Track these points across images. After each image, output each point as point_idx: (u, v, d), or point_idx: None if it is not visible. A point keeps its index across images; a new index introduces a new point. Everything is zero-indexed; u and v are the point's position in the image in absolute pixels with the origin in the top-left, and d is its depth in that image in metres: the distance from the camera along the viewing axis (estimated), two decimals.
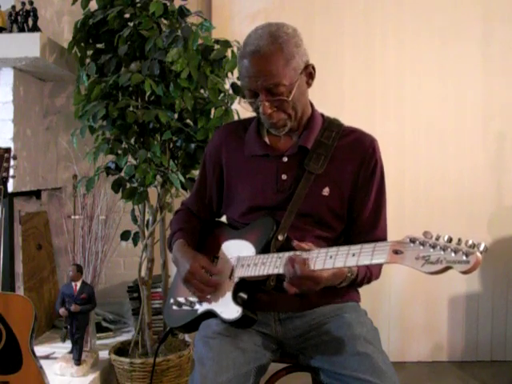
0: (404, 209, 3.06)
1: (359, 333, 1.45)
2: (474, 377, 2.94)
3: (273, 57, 1.39)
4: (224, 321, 1.47)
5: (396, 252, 1.12)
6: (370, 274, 1.52)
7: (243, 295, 1.46)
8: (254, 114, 1.58)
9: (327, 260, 1.27)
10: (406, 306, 3.16)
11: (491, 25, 3.09)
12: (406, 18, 3.11)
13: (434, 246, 1.06)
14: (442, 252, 1.04)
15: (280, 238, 1.46)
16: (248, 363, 1.42)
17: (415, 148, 3.12)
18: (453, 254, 1.02)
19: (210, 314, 1.52)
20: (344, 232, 1.58)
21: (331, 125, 1.57)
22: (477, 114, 3.12)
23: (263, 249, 1.46)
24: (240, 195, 1.59)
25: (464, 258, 1.01)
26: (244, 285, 1.47)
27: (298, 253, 1.34)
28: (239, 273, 1.47)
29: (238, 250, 1.52)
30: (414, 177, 3.10)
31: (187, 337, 2.85)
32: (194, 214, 1.72)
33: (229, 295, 1.47)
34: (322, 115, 1.60)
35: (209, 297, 1.51)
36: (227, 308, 1.46)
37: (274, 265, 1.39)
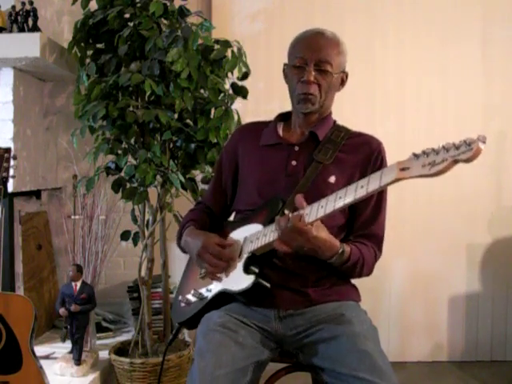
0: (404, 209, 3.06)
1: (359, 330, 1.46)
2: (474, 377, 2.94)
3: (332, 43, 1.61)
4: (237, 293, 1.49)
5: (403, 169, 1.17)
6: (362, 260, 1.54)
7: (254, 268, 1.49)
8: (266, 119, 1.73)
9: (319, 210, 1.34)
10: (406, 305, 3.16)
11: (491, 25, 3.09)
12: (406, 18, 3.11)
13: (437, 152, 1.12)
14: (446, 152, 1.10)
15: (286, 212, 1.47)
16: (246, 358, 1.43)
17: (415, 148, 3.10)
18: (456, 150, 1.08)
19: (221, 298, 1.55)
20: (345, 225, 1.61)
21: (340, 128, 1.68)
22: (477, 114, 3.12)
23: (270, 223, 1.49)
24: (251, 182, 1.65)
25: (467, 146, 1.07)
26: (254, 259, 1.50)
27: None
28: (248, 248, 1.52)
29: (244, 233, 1.57)
30: None
31: (187, 337, 2.85)
32: (207, 213, 1.77)
33: (240, 270, 1.50)
34: (334, 121, 1.71)
35: (220, 275, 1.53)
36: (239, 281, 1.49)
37: None
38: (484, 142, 1.06)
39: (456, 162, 1.08)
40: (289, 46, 1.67)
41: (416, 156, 1.16)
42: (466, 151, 1.07)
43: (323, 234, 1.41)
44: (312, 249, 1.41)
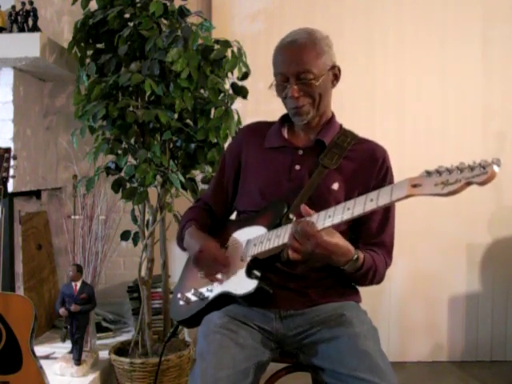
0: (404, 209, 3.05)
1: (359, 331, 1.46)
2: (474, 377, 2.94)
3: (306, 48, 1.54)
4: (239, 297, 1.49)
5: (415, 186, 1.15)
6: (375, 268, 1.52)
7: (257, 272, 1.49)
8: (266, 119, 1.73)
9: (326, 219, 1.33)
10: (406, 305, 3.16)
11: (491, 25, 3.09)
12: (406, 18, 3.11)
13: (450, 171, 1.10)
14: (460, 172, 1.09)
15: (291, 216, 1.48)
16: (247, 360, 1.43)
17: (415, 148, 3.12)
18: (470, 172, 1.07)
19: (222, 299, 1.54)
20: (352, 232, 1.61)
21: (347, 132, 1.66)
22: (477, 114, 3.12)
23: (274, 227, 1.49)
24: (254, 183, 1.64)
25: (482, 169, 1.05)
26: (257, 263, 1.50)
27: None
28: (251, 252, 1.51)
29: (247, 235, 1.56)
30: None
31: (187, 337, 2.85)
32: (207, 210, 1.77)
33: (242, 273, 1.50)
34: (341, 125, 1.69)
35: (219, 277, 1.54)
36: (241, 284, 1.49)
37: (288, 233, 1.40)
38: (499, 166, 1.04)
39: (469, 184, 1.07)
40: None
41: (428, 173, 1.14)
42: (480, 174, 1.06)
43: (335, 238, 1.39)
44: (324, 254, 1.38)
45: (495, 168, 1.04)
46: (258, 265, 1.50)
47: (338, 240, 1.40)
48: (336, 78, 1.62)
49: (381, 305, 3.15)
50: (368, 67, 3.10)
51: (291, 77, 1.54)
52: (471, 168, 1.07)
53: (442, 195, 1.10)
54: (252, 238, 1.54)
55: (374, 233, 1.59)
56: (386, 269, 1.60)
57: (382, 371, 1.35)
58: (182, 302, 1.66)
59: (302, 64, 1.53)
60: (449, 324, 3.18)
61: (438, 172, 1.12)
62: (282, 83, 1.56)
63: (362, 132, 1.70)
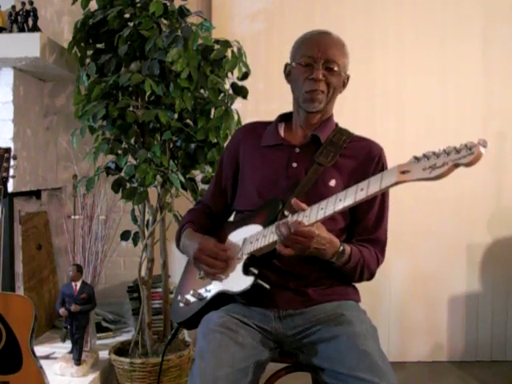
0: (404, 209, 3.06)
1: (359, 330, 1.46)
2: (474, 377, 2.94)
3: (338, 44, 1.64)
4: (236, 294, 1.50)
5: (403, 172, 1.17)
6: (363, 261, 1.54)
7: (254, 270, 1.49)
8: (267, 119, 1.75)
9: (319, 212, 1.34)
10: (406, 305, 3.16)
11: (491, 24, 3.10)
12: (406, 18, 3.11)
13: (438, 155, 1.12)
14: (447, 155, 1.10)
15: (286, 213, 1.48)
16: (246, 359, 1.43)
17: (415, 148, 3.10)
18: (456, 154, 1.09)
19: (220, 298, 1.55)
20: (347, 229, 1.62)
21: (342, 131, 1.68)
22: (477, 114, 3.12)
23: (270, 224, 1.50)
24: (251, 182, 1.65)
25: (468, 151, 1.07)
26: (254, 261, 1.51)
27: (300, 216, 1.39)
28: (247, 249, 1.52)
29: (244, 234, 1.57)
30: None
31: (187, 337, 2.85)
32: (206, 212, 1.77)
33: (239, 271, 1.51)
34: (336, 123, 1.71)
35: (219, 275, 1.54)
36: (238, 282, 1.49)
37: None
38: (485, 146, 1.06)
39: (457, 165, 1.09)
40: (293, 46, 1.67)
41: (417, 159, 1.16)
42: (466, 155, 1.07)
43: (323, 232, 1.42)
44: (316, 248, 1.41)
45: (481, 149, 1.06)
46: (255, 262, 1.51)
47: (325, 233, 1.43)
48: (344, 84, 1.67)
49: (381, 305, 3.15)
50: (368, 67, 3.10)
51: (319, 60, 1.58)
52: (457, 150, 1.09)
53: (430, 179, 1.12)
54: (248, 236, 1.55)
55: (370, 229, 1.61)
56: (378, 265, 1.61)
57: (382, 371, 1.35)
58: (181, 304, 1.67)
59: (332, 53, 1.59)
60: (449, 324, 3.18)
61: (426, 157, 1.14)
62: (307, 66, 1.59)
63: (362, 132, 1.71)
